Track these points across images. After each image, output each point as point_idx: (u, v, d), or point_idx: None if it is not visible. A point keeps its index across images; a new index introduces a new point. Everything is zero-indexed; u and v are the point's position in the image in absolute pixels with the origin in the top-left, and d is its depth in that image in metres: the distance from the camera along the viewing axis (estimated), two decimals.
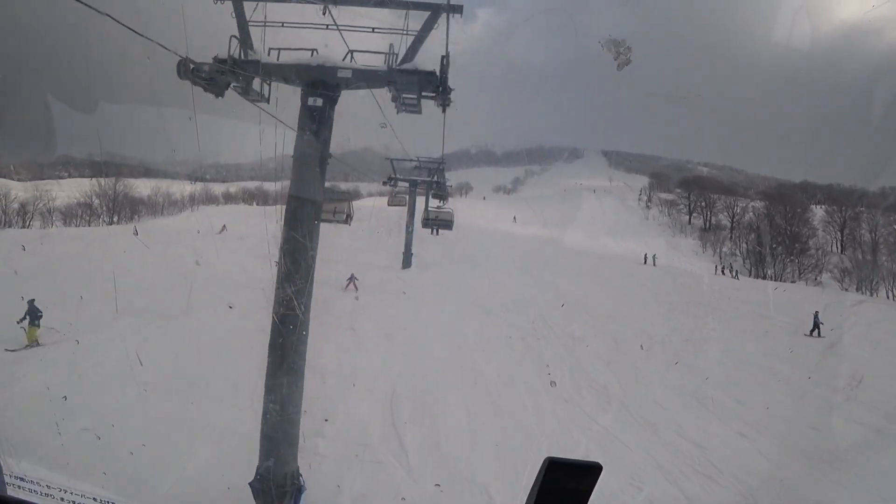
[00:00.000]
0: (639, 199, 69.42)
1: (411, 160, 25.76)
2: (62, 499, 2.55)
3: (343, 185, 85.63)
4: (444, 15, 6.67)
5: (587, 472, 1.25)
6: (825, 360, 15.46)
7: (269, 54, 6.97)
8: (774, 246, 44.12)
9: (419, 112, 7.39)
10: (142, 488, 6.86)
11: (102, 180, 40.10)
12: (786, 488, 9.11)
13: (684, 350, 16.05)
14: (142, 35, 5.75)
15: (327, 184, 8.13)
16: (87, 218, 38.24)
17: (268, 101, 7.82)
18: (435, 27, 6.78)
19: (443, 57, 6.81)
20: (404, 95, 7.07)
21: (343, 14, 7.08)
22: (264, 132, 7.55)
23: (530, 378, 13.52)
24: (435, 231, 24.88)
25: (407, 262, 26.30)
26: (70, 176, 58.86)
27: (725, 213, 56.99)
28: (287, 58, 6.96)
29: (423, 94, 6.91)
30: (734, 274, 35.59)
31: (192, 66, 6.75)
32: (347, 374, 12.26)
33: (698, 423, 11.80)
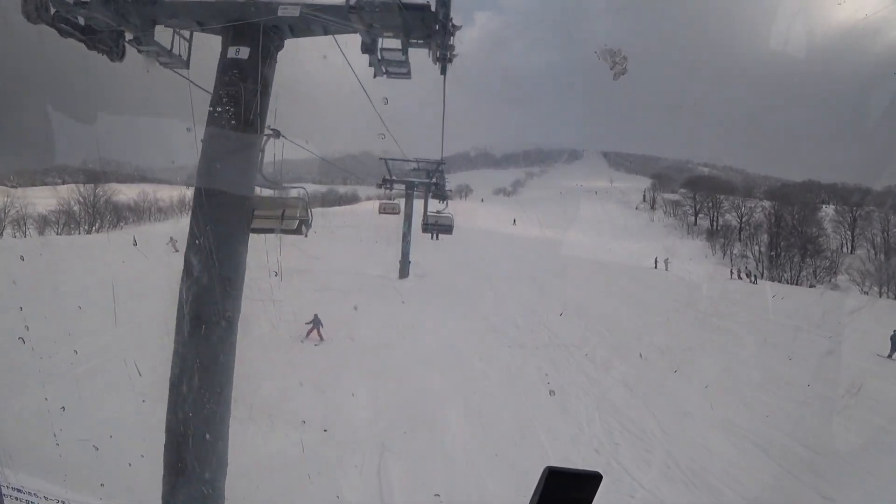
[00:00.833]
0: (643, 200, 67.02)
1: (408, 160, 23.27)
2: None
3: (341, 189, 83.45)
4: None
5: (587, 482, 1.21)
6: None
7: None
8: (789, 248, 41.59)
9: (407, 74, 4.83)
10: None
11: (82, 186, 37.47)
12: None
13: (726, 378, 13.46)
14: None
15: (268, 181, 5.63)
16: (64, 226, 35.60)
17: (187, 65, 5.30)
18: None
19: None
20: (384, 48, 4.58)
21: None
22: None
23: (553, 422, 10.95)
24: (434, 236, 23.41)
25: (404, 272, 23.73)
26: (64, 182, 56.95)
27: (733, 214, 54.50)
28: None
29: (412, 40, 4.38)
30: (752, 278, 33.08)
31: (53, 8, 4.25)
32: (316, 425, 9.74)
33: (764, 477, 9.30)
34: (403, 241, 23.68)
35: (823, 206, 53.10)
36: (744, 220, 53.32)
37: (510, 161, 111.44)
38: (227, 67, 4.18)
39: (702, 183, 64.58)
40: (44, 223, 35.87)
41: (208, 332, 4.94)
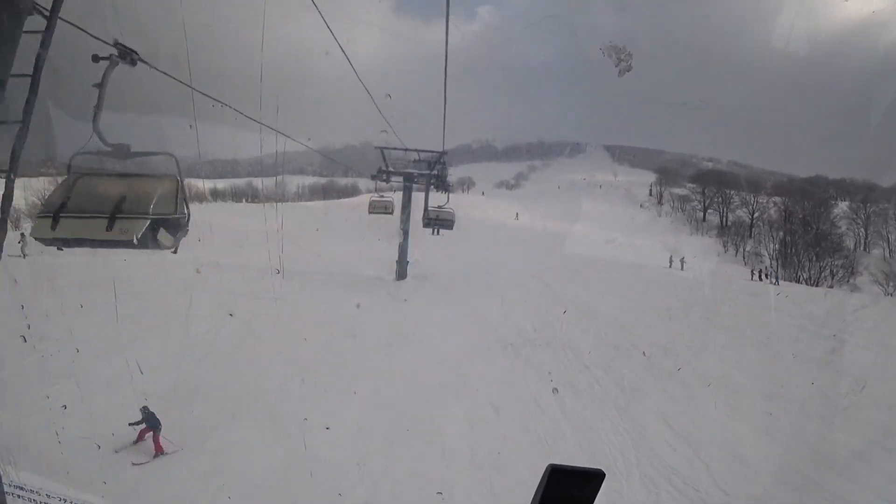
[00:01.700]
0: (649, 195, 64.28)
1: (407, 150, 20.69)
2: None
3: (342, 181, 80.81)
4: None
5: (590, 480, 1.19)
6: None
7: None
8: (806, 246, 38.97)
9: None
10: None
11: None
12: None
13: (792, 411, 11.01)
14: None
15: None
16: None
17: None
18: None
19: None
20: None
21: None
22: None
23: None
24: (435, 231, 21.77)
25: (402, 273, 21.21)
26: (58, 174, 54.54)
27: (744, 210, 51.78)
28: None
29: None
30: (773, 279, 30.56)
31: None
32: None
33: None
34: (401, 236, 21.15)
35: (839, 203, 50.40)
36: (755, 216, 50.64)
37: (512, 154, 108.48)
38: None
39: (710, 177, 61.74)
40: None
41: None
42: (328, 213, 43.55)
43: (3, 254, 2.85)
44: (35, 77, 2.73)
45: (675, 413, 10.83)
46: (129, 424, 8.32)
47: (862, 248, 44.99)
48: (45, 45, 2.69)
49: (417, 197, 23.17)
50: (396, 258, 21.42)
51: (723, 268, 35.83)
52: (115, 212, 3.31)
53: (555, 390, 11.24)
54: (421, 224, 23.57)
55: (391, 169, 20.65)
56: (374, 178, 20.84)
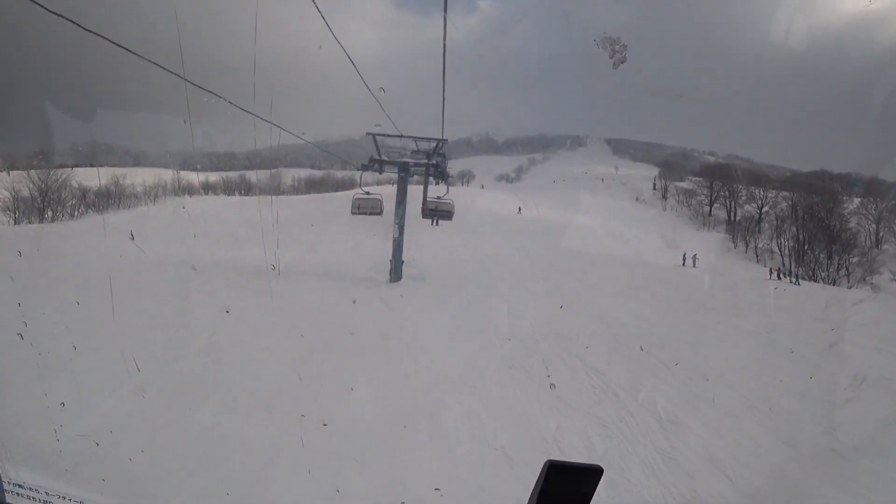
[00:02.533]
0: (653, 189, 61.96)
1: (402, 136, 18.22)
2: None
3: (339, 174, 78.26)
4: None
5: (588, 475, 1.15)
6: None
7: None
8: (825, 243, 36.65)
9: None
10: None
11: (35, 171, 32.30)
12: None
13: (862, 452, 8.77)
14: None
15: None
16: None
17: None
18: None
19: None
20: None
21: None
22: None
23: None
24: (434, 222, 21.35)
25: (396, 273, 18.81)
26: (49, 166, 52.31)
27: (752, 205, 49.41)
28: None
29: None
30: (793, 279, 28.30)
31: None
32: None
33: None
34: (395, 233, 18.71)
35: (852, 198, 47.90)
36: (763, 210, 48.28)
37: (512, 147, 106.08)
38: None
39: (717, 171, 59.25)
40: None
41: None
42: (322, 206, 41.06)
43: None
44: None
45: (729, 456, 8.53)
46: None
47: (874, 245, 42.78)
48: None
49: (412, 191, 20.86)
50: (391, 256, 19.00)
51: (736, 266, 33.51)
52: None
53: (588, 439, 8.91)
54: (416, 219, 21.86)
55: (385, 158, 18.20)
56: (364, 168, 18.37)
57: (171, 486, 6.54)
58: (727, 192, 51.66)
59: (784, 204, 45.42)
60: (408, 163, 18.17)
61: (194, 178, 48.96)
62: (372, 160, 18.07)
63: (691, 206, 53.95)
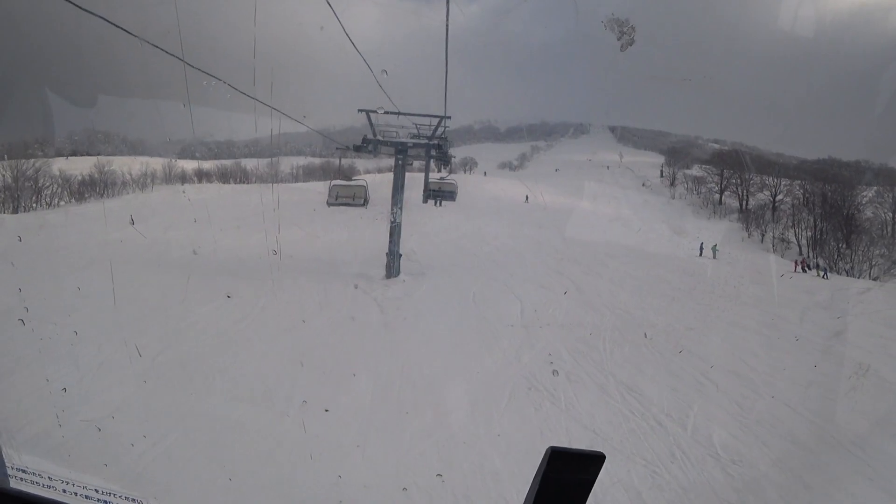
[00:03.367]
0: (660, 176, 59.18)
1: (399, 113, 15.64)
2: (64, 490, 2.35)
3: (337, 162, 75.56)
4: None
5: (590, 462, 1.10)
6: None
7: None
8: (848, 233, 34.09)
9: None
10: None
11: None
12: None
13: None
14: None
15: None
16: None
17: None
18: None
19: None
20: None
21: None
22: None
23: None
24: (438, 203, 20.57)
25: (392, 269, 16.37)
26: (45, 155, 50.23)
27: (765, 193, 46.68)
28: None
29: None
30: (821, 272, 25.84)
31: None
32: None
33: None
34: (392, 222, 16.23)
35: (868, 187, 45.20)
36: (777, 199, 45.61)
37: (515, 135, 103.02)
38: None
39: (727, 158, 56.41)
40: None
41: None
42: (320, 193, 38.55)
43: None
44: None
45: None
46: None
47: (890, 235, 40.19)
48: None
49: (410, 179, 18.42)
50: (387, 249, 16.56)
51: (756, 257, 30.98)
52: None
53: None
54: (416, 206, 19.88)
55: (380, 138, 15.67)
56: (357, 149, 15.82)
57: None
58: (738, 180, 48.92)
59: (799, 192, 42.76)
60: (406, 143, 15.64)
61: (187, 166, 46.45)
62: (366, 140, 15.55)
63: (701, 193, 51.28)
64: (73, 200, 33.75)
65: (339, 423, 7.84)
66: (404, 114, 15.50)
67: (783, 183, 46.54)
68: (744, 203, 47.52)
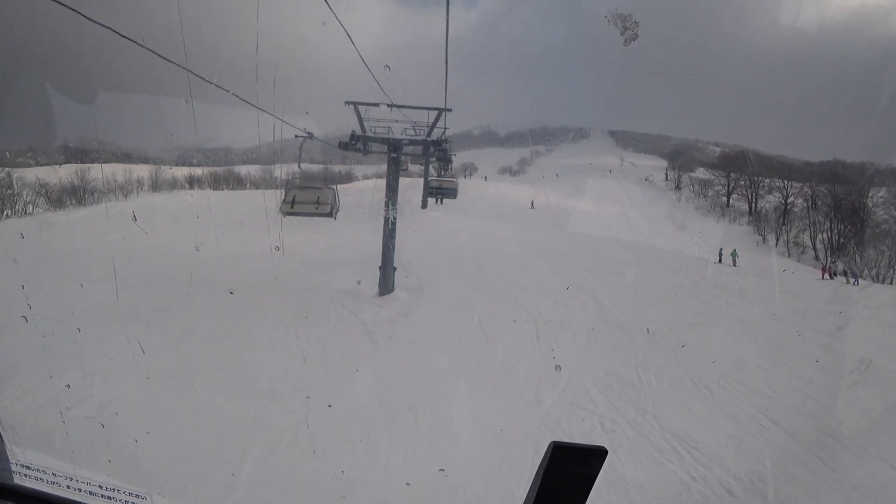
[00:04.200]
0: (665, 180, 57.06)
1: (392, 105, 13.37)
2: (68, 486, 2.31)
3: (336, 168, 73.52)
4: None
5: (593, 457, 1.08)
6: None
7: None
8: (870, 237, 31.82)
9: None
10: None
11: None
12: None
13: None
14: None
15: None
16: None
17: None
18: None
19: None
20: None
21: None
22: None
23: None
24: (439, 200, 20.46)
25: (386, 285, 14.02)
26: (38, 164, 48.28)
27: (777, 195, 44.50)
28: None
29: None
30: (851, 279, 23.59)
31: None
32: None
33: None
34: (386, 235, 13.90)
35: (878, 188, 43.01)
36: (789, 201, 43.43)
37: (515, 140, 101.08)
38: None
39: (733, 160, 54.31)
40: None
41: None
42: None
43: None
44: None
45: None
46: None
47: None
48: None
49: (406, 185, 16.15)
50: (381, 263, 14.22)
51: (778, 263, 28.73)
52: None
53: None
54: (415, 212, 17.83)
55: (370, 134, 13.40)
56: (343, 147, 13.50)
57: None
58: (748, 182, 46.75)
59: (810, 194, 40.61)
60: (400, 140, 13.36)
61: (179, 172, 44.32)
62: (354, 137, 13.27)
63: (707, 196, 49.09)
64: (53, 208, 31.62)
65: None
66: (398, 106, 13.25)
67: (793, 185, 44.46)
68: (753, 206, 45.37)
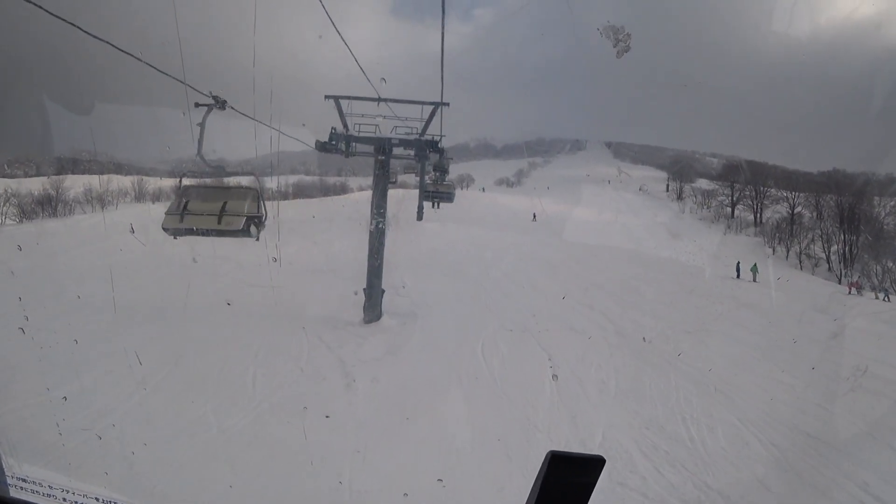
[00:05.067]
0: (666, 191, 55.32)
1: (379, 100, 11.21)
2: (64, 499, 2.23)
3: (331, 180, 71.48)
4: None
5: (590, 466, 1.06)
6: None
7: None
8: (886, 249, 29.80)
9: None
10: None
11: None
12: None
13: None
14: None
15: None
16: None
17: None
18: None
19: None
20: None
21: None
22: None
23: None
24: (436, 205, 19.42)
25: (372, 311, 11.65)
26: (26, 175, 46.03)
27: (782, 205, 42.68)
28: None
29: None
30: (882, 295, 21.44)
31: None
32: None
33: None
34: (372, 254, 11.57)
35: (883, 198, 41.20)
36: (796, 212, 41.60)
37: (511, 152, 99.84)
38: None
39: (736, 171, 52.56)
40: None
41: None
42: (305, 210, 34.08)
43: None
44: None
45: None
46: None
47: None
48: None
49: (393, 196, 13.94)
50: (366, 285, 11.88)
51: (794, 277, 26.60)
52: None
53: None
54: (410, 224, 15.94)
55: (353, 133, 11.20)
56: (323, 149, 11.24)
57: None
58: (753, 192, 44.91)
59: (816, 204, 38.83)
60: (389, 139, 11.15)
61: (165, 183, 42.06)
62: (335, 136, 11.07)
63: (711, 207, 47.24)
64: (23, 220, 29.38)
65: None
66: (388, 100, 11.08)
67: (799, 195, 42.68)
68: (759, 217, 43.51)
